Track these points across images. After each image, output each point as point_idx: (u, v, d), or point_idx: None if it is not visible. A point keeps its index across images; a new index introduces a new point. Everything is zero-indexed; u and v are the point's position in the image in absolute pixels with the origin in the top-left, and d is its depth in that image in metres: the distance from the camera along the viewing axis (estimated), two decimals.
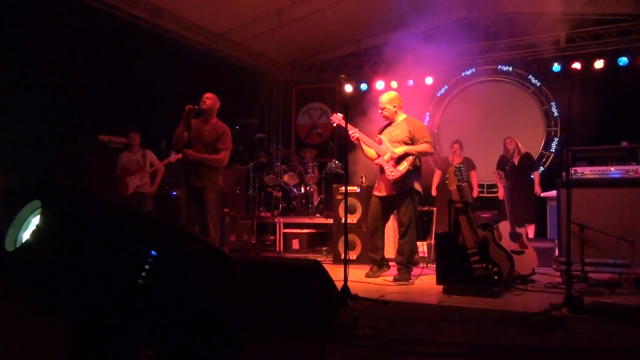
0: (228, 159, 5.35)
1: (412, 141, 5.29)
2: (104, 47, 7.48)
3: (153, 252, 1.19)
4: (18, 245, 1.22)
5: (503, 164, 7.69)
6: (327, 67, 10.87)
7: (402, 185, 5.25)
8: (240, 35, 9.58)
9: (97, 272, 1.17)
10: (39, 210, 1.20)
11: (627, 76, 8.26)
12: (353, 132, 5.27)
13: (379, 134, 5.46)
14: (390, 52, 10.21)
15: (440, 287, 4.60)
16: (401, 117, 5.46)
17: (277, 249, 8.19)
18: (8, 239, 1.23)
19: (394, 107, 5.41)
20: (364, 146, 5.39)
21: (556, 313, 3.53)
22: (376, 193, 5.50)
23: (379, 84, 9.90)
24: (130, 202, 1.32)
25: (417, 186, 5.37)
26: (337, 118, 5.51)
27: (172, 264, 1.24)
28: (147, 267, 1.19)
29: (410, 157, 5.23)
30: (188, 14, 8.61)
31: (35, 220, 1.24)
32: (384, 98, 5.46)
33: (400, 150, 5.21)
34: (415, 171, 5.29)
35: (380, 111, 5.47)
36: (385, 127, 5.51)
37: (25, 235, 1.25)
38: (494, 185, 8.58)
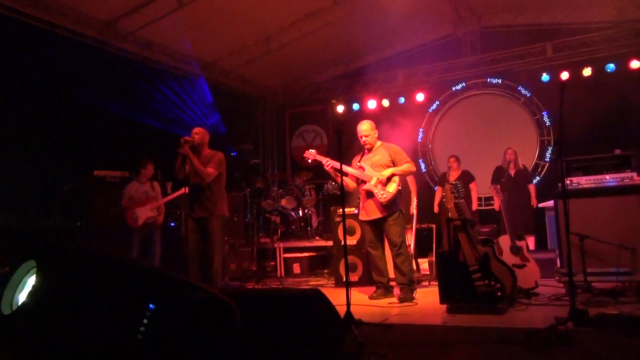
0: (214, 177, 5.37)
1: (393, 164, 5.39)
2: (94, 82, 7.53)
3: (151, 306, 1.19)
4: (14, 307, 1.21)
5: (499, 175, 7.71)
6: (318, 89, 10.93)
7: (392, 206, 5.30)
8: (231, 63, 9.66)
9: (96, 330, 1.16)
10: (34, 270, 1.19)
11: (616, 82, 8.32)
12: (327, 161, 5.32)
13: (358, 162, 5.50)
14: (380, 71, 10.33)
15: (444, 306, 4.57)
16: (377, 143, 5.56)
17: (278, 275, 8.14)
18: (4, 301, 1.21)
19: (376, 133, 5.53)
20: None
21: (561, 327, 3.50)
22: (363, 218, 5.53)
23: (371, 103, 9.95)
24: (126, 256, 1.31)
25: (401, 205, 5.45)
26: (311, 154, 5.51)
27: (171, 316, 1.24)
28: (145, 321, 1.18)
29: (397, 178, 5.32)
30: (177, 45, 8.69)
31: (30, 281, 1.23)
32: (366, 127, 5.49)
33: (387, 172, 5.30)
34: (401, 191, 5.41)
35: (363, 139, 5.48)
36: (362, 155, 5.55)
37: (22, 297, 1.24)
38: (491, 198, 8.58)
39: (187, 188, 5.38)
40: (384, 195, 5.24)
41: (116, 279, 1.22)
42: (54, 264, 1.17)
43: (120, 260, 1.28)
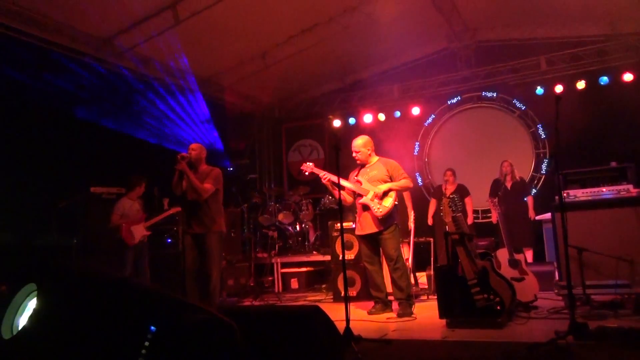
0: (211, 193, 5.38)
1: (391, 179, 5.40)
2: (91, 99, 7.55)
3: (152, 328, 1.18)
4: (15, 331, 1.20)
5: (496, 188, 7.73)
6: (314, 103, 10.97)
7: (388, 221, 5.31)
8: (227, 78, 9.70)
9: (98, 354, 1.15)
10: (35, 293, 1.18)
11: (610, 95, 8.40)
12: (324, 174, 5.34)
13: (355, 177, 5.51)
14: (375, 86, 10.39)
15: (443, 321, 4.55)
16: (374, 158, 5.58)
17: (276, 290, 8.09)
18: (4, 326, 1.20)
19: (368, 150, 5.53)
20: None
21: (562, 341, 3.49)
22: (359, 233, 5.55)
23: (367, 117, 9.99)
24: (127, 277, 1.30)
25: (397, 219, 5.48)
26: (308, 167, 5.55)
27: (172, 337, 1.23)
28: (147, 343, 1.17)
29: (394, 193, 5.34)
30: (174, 62, 8.72)
31: (31, 304, 1.22)
32: (358, 142, 5.55)
33: (384, 186, 5.31)
34: (397, 206, 5.43)
35: (354, 154, 5.55)
36: (360, 170, 5.57)
37: (22, 321, 1.23)
38: (489, 211, 8.59)
39: (177, 209, 5.38)
40: (380, 210, 5.25)
41: (117, 301, 1.21)
42: (54, 287, 1.16)
43: (120, 282, 1.27)
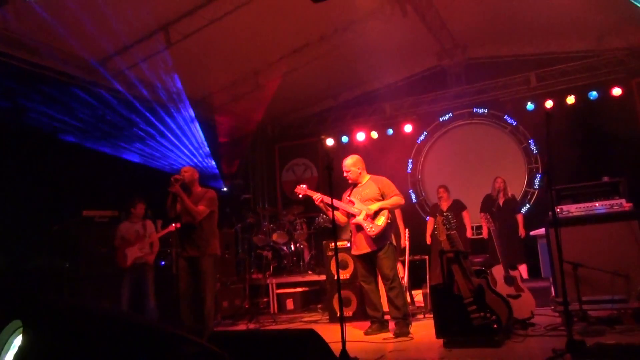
0: (206, 215, 5.35)
1: (383, 197, 5.40)
2: (83, 122, 7.53)
3: None
4: None
5: (489, 204, 7.74)
6: (307, 122, 11.00)
7: (382, 240, 5.30)
8: (220, 99, 9.73)
9: None
10: (21, 329, 1.15)
11: (599, 109, 8.47)
12: (317, 196, 5.34)
13: (348, 197, 5.51)
14: (367, 104, 10.45)
15: (440, 340, 4.51)
16: (366, 177, 5.58)
17: (272, 311, 8.01)
18: None
19: (358, 169, 5.54)
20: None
21: None
22: (355, 253, 5.53)
23: (360, 136, 10.03)
24: (116, 311, 1.28)
25: (392, 238, 5.46)
26: (302, 190, 5.52)
27: None
28: None
29: (386, 212, 5.33)
30: (167, 83, 8.73)
31: (17, 341, 1.19)
32: (348, 162, 5.56)
33: (375, 206, 5.31)
34: (391, 224, 5.41)
35: (345, 174, 5.56)
36: (352, 189, 5.57)
37: (8, 359, 1.20)
38: (481, 227, 8.59)
39: (177, 224, 5.37)
40: (373, 229, 5.24)
41: (106, 336, 1.18)
42: (41, 322, 1.13)
43: (110, 316, 1.24)
